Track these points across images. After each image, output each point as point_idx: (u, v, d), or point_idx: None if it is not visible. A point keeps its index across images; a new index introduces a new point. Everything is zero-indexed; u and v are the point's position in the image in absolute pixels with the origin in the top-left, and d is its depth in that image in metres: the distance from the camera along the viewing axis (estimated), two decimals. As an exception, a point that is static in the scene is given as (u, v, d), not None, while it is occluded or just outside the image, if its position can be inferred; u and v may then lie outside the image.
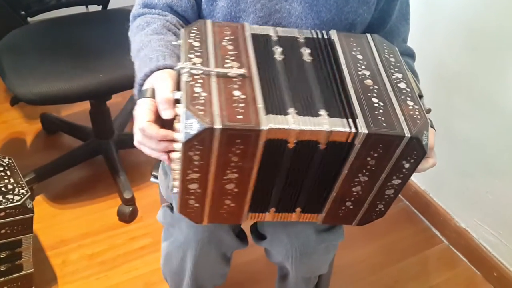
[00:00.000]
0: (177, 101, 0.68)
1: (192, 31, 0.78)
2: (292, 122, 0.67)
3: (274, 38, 0.80)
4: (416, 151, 0.70)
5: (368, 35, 0.84)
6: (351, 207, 0.80)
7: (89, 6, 1.76)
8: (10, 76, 1.36)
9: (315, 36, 0.82)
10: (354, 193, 0.77)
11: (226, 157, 0.67)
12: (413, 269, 1.57)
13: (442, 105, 1.51)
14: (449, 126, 1.51)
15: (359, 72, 0.77)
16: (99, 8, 1.77)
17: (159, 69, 0.74)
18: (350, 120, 0.68)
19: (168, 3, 0.86)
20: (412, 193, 1.75)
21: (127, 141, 1.82)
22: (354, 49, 0.81)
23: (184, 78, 0.68)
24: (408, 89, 0.76)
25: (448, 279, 1.56)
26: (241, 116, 0.65)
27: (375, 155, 0.71)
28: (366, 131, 0.67)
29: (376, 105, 0.72)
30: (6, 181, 1.22)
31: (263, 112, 0.66)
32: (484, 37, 1.36)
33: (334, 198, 0.78)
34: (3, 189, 1.19)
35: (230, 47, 0.76)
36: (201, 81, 0.68)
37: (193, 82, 0.68)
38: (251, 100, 0.67)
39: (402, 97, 0.74)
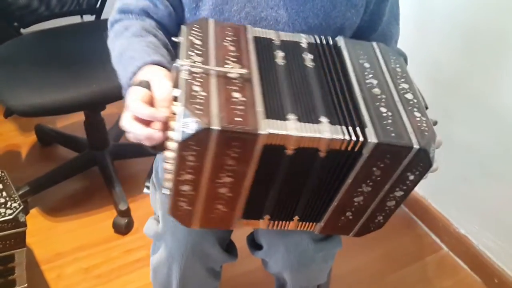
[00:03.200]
0: (174, 99, 0.66)
1: (194, 28, 0.75)
2: (292, 128, 0.65)
3: (276, 42, 0.78)
4: (423, 163, 0.69)
5: (374, 43, 0.83)
6: (351, 217, 0.79)
7: (83, 16, 1.76)
8: (2, 88, 1.35)
9: (319, 41, 0.80)
10: (356, 204, 0.75)
11: (222, 160, 0.65)
12: (413, 277, 1.55)
13: (438, 108, 1.49)
14: (446, 130, 1.50)
15: (367, 81, 0.75)
16: (93, 18, 1.77)
17: (146, 65, 0.72)
18: (357, 128, 0.67)
19: (144, 9, 0.85)
20: (411, 199, 1.73)
21: (123, 151, 1.81)
22: (361, 57, 0.79)
23: (183, 75, 0.66)
24: (415, 100, 0.75)
25: (449, 286, 1.54)
26: (239, 119, 0.63)
27: (382, 165, 0.69)
28: (376, 141, 0.65)
29: (384, 114, 0.70)
30: (-2, 194, 1.20)
31: (262, 116, 0.64)
32: (478, 39, 1.36)
33: (335, 207, 0.76)
34: (-5, 202, 1.18)
35: (232, 48, 0.74)
36: (200, 80, 0.66)
37: (192, 80, 0.65)
38: (250, 103, 0.66)
39: (409, 108, 0.73)
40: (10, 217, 1.14)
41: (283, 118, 0.66)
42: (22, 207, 1.18)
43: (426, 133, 0.69)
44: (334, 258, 1.02)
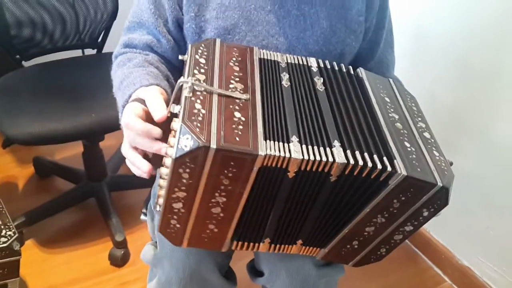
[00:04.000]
0: (174, 116, 0.65)
1: (200, 48, 0.76)
2: (293, 151, 0.64)
3: (283, 64, 0.79)
4: (440, 201, 0.68)
5: (391, 80, 0.84)
6: (356, 247, 0.77)
7: (84, 50, 1.79)
8: (2, 117, 1.36)
9: (329, 66, 0.80)
10: (365, 233, 0.74)
11: (217, 179, 0.64)
12: (416, 311, 1.52)
13: (438, 140, 1.50)
14: (446, 161, 1.50)
15: (390, 114, 0.75)
16: (94, 52, 1.79)
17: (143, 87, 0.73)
18: (385, 158, 0.66)
19: (148, 44, 0.87)
20: (412, 231, 1.71)
21: (120, 183, 1.80)
22: (381, 91, 0.80)
23: (185, 93, 0.65)
24: (432, 140, 0.75)
25: (453, 321, 1.50)
26: (238, 139, 0.62)
27: (403, 198, 0.68)
28: (405, 173, 0.65)
29: (409, 149, 0.70)
30: (-7, 222, 1.19)
31: (262, 137, 0.64)
32: (473, 72, 1.38)
33: (345, 235, 0.75)
34: (-11, 231, 1.16)
35: (237, 68, 0.74)
36: (202, 98, 0.65)
37: (194, 98, 0.65)
38: (251, 123, 0.65)
39: (429, 146, 0.73)
40: (4, 245, 1.13)
41: (285, 140, 0.65)
42: (16, 235, 1.16)
43: (446, 172, 0.69)
44: (336, 286, 0.99)
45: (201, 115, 0.63)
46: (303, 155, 0.64)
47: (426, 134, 0.76)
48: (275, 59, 0.79)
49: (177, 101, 0.67)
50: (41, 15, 1.55)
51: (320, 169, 0.65)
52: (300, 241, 0.77)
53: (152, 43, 0.87)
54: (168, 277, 0.89)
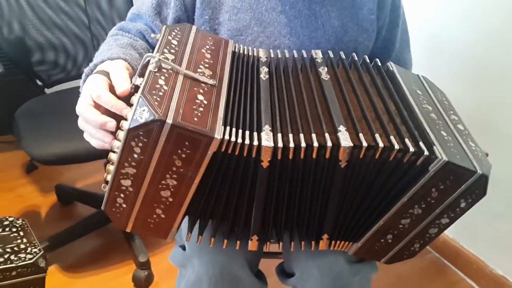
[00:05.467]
0: (136, 90, 0.63)
1: (175, 30, 0.76)
2: (264, 139, 0.63)
3: (264, 59, 0.79)
4: (478, 190, 0.67)
5: (419, 75, 0.84)
6: (390, 241, 0.75)
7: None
8: (27, 138, 1.39)
9: (353, 58, 0.81)
10: (400, 226, 0.72)
11: (170, 159, 0.61)
12: (451, 324, 1.45)
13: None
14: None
15: (423, 105, 0.74)
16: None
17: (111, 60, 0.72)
18: (421, 143, 0.65)
19: (141, 31, 0.87)
20: (441, 243, 1.66)
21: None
22: (413, 84, 0.79)
23: (151, 67, 0.64)
24: (466, 132, 0.75)
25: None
26: (197, 119, 0.60)
27: (441, 186, 0.67)
28: (446, 159, 0.64)
29: (446, 138, 0.69)
30: (19, 241, 1.18)
31: (221, 122, 0.62)
32: (489, 73, 1.37)
33: (379, 228, 0.73)
34: (15, 248, 1.15)
35: (208, 56, 0.73)
36: (167, 75, 0.64)
37: (159, 74, 0.64)
38: (213, 108, 0.63)
39: (464, 137, 0.73)
40: (30, 261, 1.12)
41: (254, 129, 0.64)
42: (42, 252, 1.16)
43: (484, 162, 0.68)
44: (370, 285, 0.95)
45: (162, 90, 0.61)
46: (274, 143, 0.62)
47: (460, 126, 0.75)
48: (255, 54, 0.80)
49: (142, 75, 0.65)
50: (60, 38, 1.60)
51: (314, 155, 0.64)
52: (326, 236, 0.75)
53: (146, 32, 0.87)
54: (198, 275, 0.87)
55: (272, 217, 0.72)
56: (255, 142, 0.62)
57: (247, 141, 0.63)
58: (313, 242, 0.77)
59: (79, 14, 1.62)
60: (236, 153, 0.63)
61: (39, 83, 1.63)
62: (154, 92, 0.61)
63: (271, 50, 0.81)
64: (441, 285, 1.59)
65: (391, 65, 0.81)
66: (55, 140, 1.37)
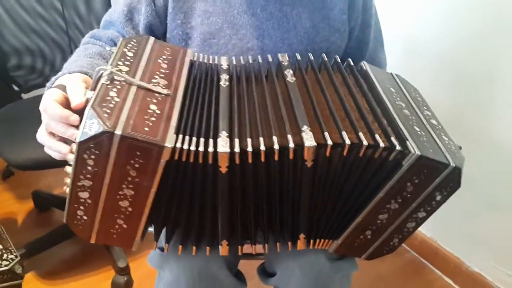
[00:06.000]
0: (87, 102, 0.64)
1: (131, 42, 0.76)
2: (220, 145, 0.63)
3: (225, 66, 0.79)
4: (453, 183, 0.69)
5: (392, 73, 0.85)
6: (369, 237, 0.76)
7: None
8: (3, 144, 1.37)
9: (323, 59, 0.82)
10: (378, 222, 0.73)
11: (123, 170, 0.62)
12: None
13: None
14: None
15: (397, 102, 0.76)
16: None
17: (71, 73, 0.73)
18: (392, 138, 0.66)
19: (112, 38, 0.88)
20: (419, 242, 1.68)
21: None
22: (387, 82, 0.81)
23: (103, 80, 0.65)
24: (440, 126, 0.76)
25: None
26: (148, 129, 0.61)
27: (416, 181, 0.68)
28: (419, 153, 0.65)
29: (419, 133, 0.70)
30: (-6, 247, 1.17)
31: (173, 130, 0.62)
32: (468, 74, 1.40)
33: (357, 224, 0.74)
34: (-10, 255, 1.14)
35: (164, 66, 0.74)
36: (119, 87, 0.65)
37: (111, 86, 0.64)
38: (166, 117, 0.64)
39: (437, 131, 0.74)
40: (6, 268, 1.11)
41: (210, 136, 0.65)
42: (18, 258, 1.14)
43: (457, 154, 0.70)
44: (350, 283, 0.97)
45: (113, 102, 0.62)
46: (231, 149, 0.63)
47: (433, 121, 0.77)
48: (216, 62, 0.80)
49: (94, 89, 0.66)
50: (37, 43, 1.58)
51: (276, 158, 0.65)
52: (302, 235, 0.75)
53: (117, 39, 0.87)
54: (176, 277, 0.87)
55: (240, 220, 0.72)
56: (210, 149, 0.63)
57: (201, 148, 0.63)
58: (289, 243, 0.77)
59: (57, 18, 1.60)
60: (191, 160, 0.63)
61: (16, 88, 1.61)
62: (104, 104, 0.61)
63: (233, 58, 0.81)
64: (419, 283, 1.61)
65: (365, 65, 0.82)
66: (32, 146, 1.34)
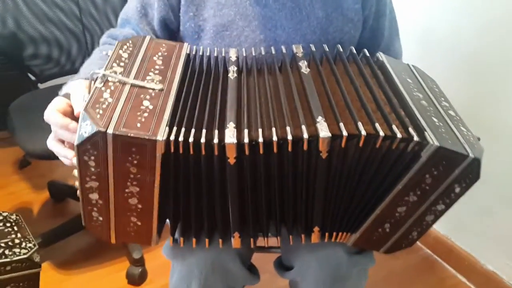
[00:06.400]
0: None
1: (127, 44, 0.77)
2: (227, 136, 0.63)
3: (233, 58, 0.79)
4: (472, 175, 0.68)
5: (409, 64, 0.84)
6: (388, 230, 0.75)
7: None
8: (21, 133, 1.38)
9: (338, 50, 0.81)
10: (397, 214, 0.72)
11: (124, 167, 0.63)
12: (443, 320, 1.47)
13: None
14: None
15: (414, 93, 0.75)
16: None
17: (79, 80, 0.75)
18: (410, 129, 0.65)
19: (127, 37, 0.88)
20: (432, 240, 1.68)
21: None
22: (403, 73, 0.80)
23: (97, 83, 0.66)
24: (458, 117, 0.75)
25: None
26: (140, 125, 0.62)
27: (435, 172, 0.67)
28: (438, 144, 0.64)
29: (437, 124, 0.69)
30: (13, 235, 1.18)
31: (165, 124, 0.63)
32: (484, 69, 1.38)
33: (376, 217, 0.73)
34: (9, 243, 1.15)
35: (159, 62, 0.75)
36: (113, 88, 0.66)
37: (104, 88, 0.66)
38: (159, 111, 0.64)
39: (455, 122, 0.73)
40: (25, 256, 1.12)
41: (215, 127, 0.65)
42: (36, 247, 1.16)
43: (476, 146, 0.69)
44: (367, 278, 0.96)
45: (106, 103, 0.63)
46: (238, 140, 0.63)
47: (451, 112, 0.76)
48: (222, 54, 0.80)
49: (89, 90, 0.67)
50: (52, 32, 1.59)
51: (290, 148, 0.64)
52: (316, 228, 0.75)
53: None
54: (189, 268, 0.87)
55: (251, 213, 0.72)
56: (215, 140, 0.63)
57: (202, 140, 0.63)
58: (303, 235, 0.77)
59: (72, 6, 1.61)
60: (191, 152, 0.63)
61: (33, 78, 1.62)
62: (97, 105, 0.62)
63: (243, 49, 0.81)
64: (432, 281, 1.61)
65: (381, 55, 0.81)
66: (48, 135, 1.36)
